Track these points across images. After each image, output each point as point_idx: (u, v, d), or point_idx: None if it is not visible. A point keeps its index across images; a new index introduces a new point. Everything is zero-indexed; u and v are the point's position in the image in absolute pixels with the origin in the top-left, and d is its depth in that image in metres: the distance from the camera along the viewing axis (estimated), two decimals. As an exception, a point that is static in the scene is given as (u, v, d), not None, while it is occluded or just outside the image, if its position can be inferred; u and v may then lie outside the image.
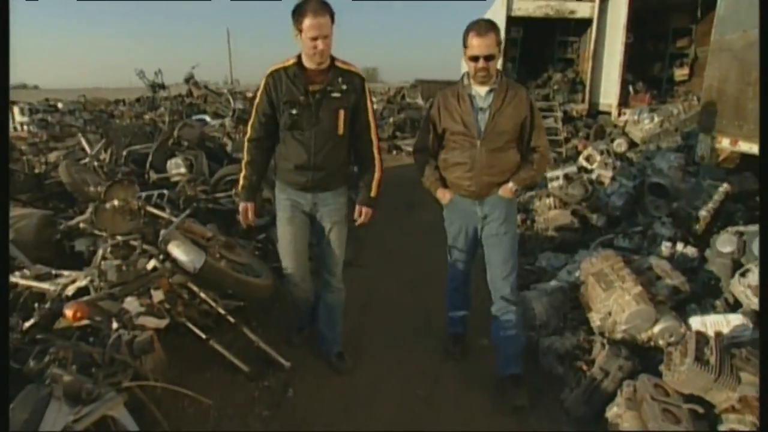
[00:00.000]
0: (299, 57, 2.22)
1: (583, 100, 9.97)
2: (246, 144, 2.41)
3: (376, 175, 2.40)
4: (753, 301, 2.24)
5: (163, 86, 13.19)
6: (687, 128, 4.03)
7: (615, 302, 2.29)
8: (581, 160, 4.74)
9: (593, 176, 4.02)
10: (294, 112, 2.21)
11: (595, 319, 2.40)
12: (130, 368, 1.67)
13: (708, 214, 3.16)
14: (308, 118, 2.23)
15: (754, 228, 2.59)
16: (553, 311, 2.72)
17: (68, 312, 1.67)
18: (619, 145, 5.13)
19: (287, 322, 2.90)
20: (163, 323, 1.84)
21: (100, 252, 1.91)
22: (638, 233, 3.44)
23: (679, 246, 2.97)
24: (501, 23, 9.36)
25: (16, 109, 9.06)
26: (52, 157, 5.83)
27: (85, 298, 1.76)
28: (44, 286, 2.00)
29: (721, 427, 1.79)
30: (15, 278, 2.14)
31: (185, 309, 2.36)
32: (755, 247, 2.48)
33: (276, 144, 2.43)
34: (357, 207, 2.42)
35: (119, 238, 2.07)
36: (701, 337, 1.87)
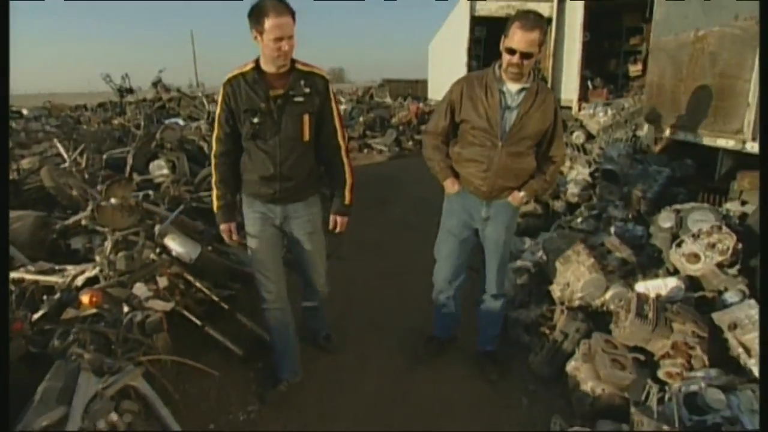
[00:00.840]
0: (257, 61, 2.08)
1: (546, 97, 10.41)
2: (213, 160, 2.23)
3: (348, 182, 2.29)
4: (687, 267, 2.58)
5: (130, 90, 13.04)
6: (635, 120, 4.43)
7: (572, 274, 2.59)
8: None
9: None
10: (255, 120, 2.07)
11: (556, 291, 2.70)
12: (143, 345, 1.86)
13: (653, 196, 3.52)
14: (271, 125, 2.08)
15: (689, 206, 2.95)
16: (518, 288, 3.02)
17: (85, 298, 1.84)
18: (578, 137, 5.51)
19: (261, 373, 2.56)
20: (169, 306, 2.04)
21: (108, 245, 2.08)
22: (594, 216, 3.80)
23: (629, 225, 3.33)
24: (465, 23, 9.73)
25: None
26: (25, 163, 5.81)
27: (98, 285, 1.93)
28: (52, 279, 2.15)
29: (659, 372, 2.11)
30: (20, 273, 2.28)
31: (182, 298, 2.53)
32: (690, 222, 2.84)
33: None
34: (332, 216, 2.33)
35: (118, 233, 2.24)
36: (641, 297, 2.18)
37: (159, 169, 4.11)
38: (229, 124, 2.14)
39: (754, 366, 1.90)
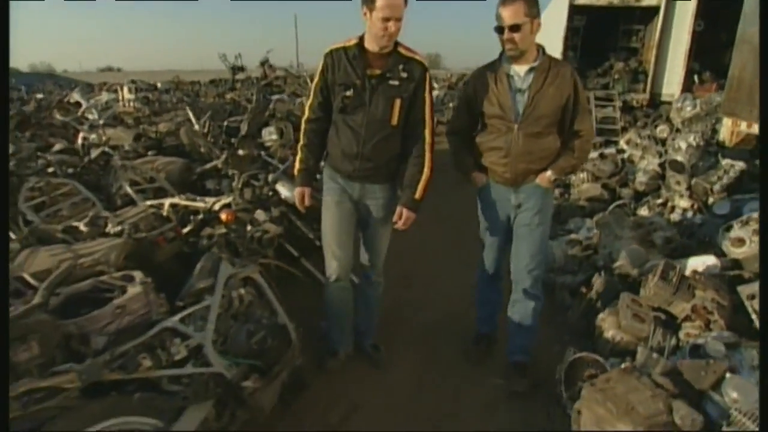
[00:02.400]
0: (362, 38, 2.11)
1: (644, 90, 9.95)
2: (303, 126, 2.30)
3: (424, 176, 2.21)
4: (732, 251, 2.77)
5: (242, 68, 14.51)
6: (716, 113, 4.38)
7: (615, 245, 2.89)
8: (622, 143, 5.20)
9: (625, 155, 4.50)
10: (347, 94, 2.10)
11: (599, 260, 3.01)
12: (259, 253, 2.54)
13: (722, 188, 3.61)
14: (361, 103, 2.11)
15: (749, 196, 3.07)
16: (569, 257, 3.35)
17: (223, 215, 2.56)
18: (662, 131, 5.49)
19: (320, 345, 2.64)
20: (279, 229, 2.71)
21: (239, 182, 2.79)
22: (660, 204, 3.95)
23: (688, 213, 3.48)
24: (564, 11, 9.60)
25: (125, 88, 10.57)
26: (161, 127, 7.03)
27: (232, 207, 2.64)
28: (198, 204, 2.92)
29: (680, 333, 2.39)
30: (175, 200, 3.09)
31: (285, 231, 3.22)
32: (746, 210, 2.98)
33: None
34: (398, 208, 2.23)
35: (245, 175, 2.95)
36: (668, 265, 2.46)
37: (270, 134, 4.90)
38: (323, 93, 2.20)
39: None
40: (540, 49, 2.14)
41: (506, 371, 2.52)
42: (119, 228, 2.62)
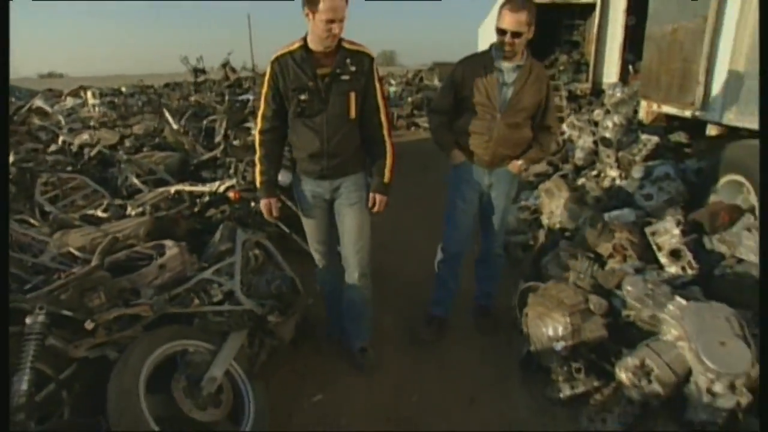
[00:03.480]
0: (305, 39, 2.12)
1: (587, 80, 10.84)
2: (258, 137, 2.29)
3: (389, 161, 2.30)
4: (645, 204, 3.47)
5: (204, 71, 14.68)
6: (637, 97, 5.16)
7: (555, 205, 3.54)
8: (564, 126, 5.93)
9: (566, 136, 5.21)
10: (303, 98, 2.12)
11: (544, 219, 3.66)
12: (264, 225, 3.02)
13: (642, 159, 4.35)
14: (318, 103, 2.14)
15: (659, 162, 3.80)
16: (520, 220, 3.99)
17: (231, 194, 3.03)
18: (598, 114, 6.25)
19: (318, 329, 2.83)
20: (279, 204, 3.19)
21: (240, 167, 3.26)
22: (595, 176, 4.66)
23: (616, 181, 4.20)
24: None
25: (89, 93, 10.61)
26: (137, 129, 7.29)
27: (236, 188, 3.11)
28: (204, 189, 3.36)
29: (606, 268, 3.04)
30: (180, 186, 3.51)
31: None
32: (656, 172, 3.69)
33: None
34: (371, 195, 2.33)
35: (244, 161, 3.42)
36: (594, 216, 3.12)
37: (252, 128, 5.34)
38: (276, 101, 2.19)
39: (662, 257, 2.79)
40: (525, 50, 2.37)
41: (474, 314, 3.01)
42: (140, 209, 3.04)
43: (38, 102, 9.52)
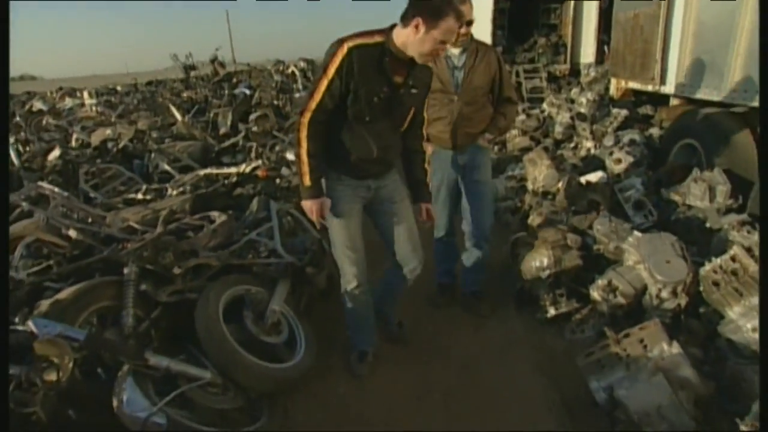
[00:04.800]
0: (387, 37, 1.93)
1: (565, 61, 11.36)
2: (307, 128, 2.00)
3: (429, 170, 2.37)
4: (614, 168, 4.01)
5: (194, 67, 14.92)
6: (608, 75, 5.72)
7: (536, 171, 4.07)
8: (544, 105, 6.47)
9: (546, 113, 5.75)
10: (375, 102, 1.97)
11: (529, 184, 4.19)
12: (290, 198, 3.51)
13: (613, 130, 4.90)
14: (384, 111, 2.03)
15: (627, 131, 4.35)
16: (509, 189, 4.52)
17: (260, 173, 3.49)
18: (575, 93, 6.80)
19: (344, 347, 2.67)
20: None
21: (266, 148, 3.72)
22: (573, 148, 5.21)
23: (592, 150, 4.75)
24: (489, -6, 10.80)
25: (86, 93, 10.87)
26: (140, 125, 7.66)
27: (263, 167, 3.58)
28: (231, 171, 3.82)
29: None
30: (207, 170, 3.96)
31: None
32: (623, 139, 4.24)
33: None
34: (422, 206, 2.31)
35: (265, 145, 3.88)
36: (570, 177, 3.66)
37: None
38: (339, 93, 1.96)
39: (628, 209, 3.34)
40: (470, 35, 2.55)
41: (465, 301, 3.02)
42: (180, 189, 3.50)
43: (38, 104, 9.79)
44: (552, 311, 2.69)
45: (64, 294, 2.08)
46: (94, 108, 10.37)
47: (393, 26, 1.96)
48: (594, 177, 3.91)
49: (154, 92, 13.15)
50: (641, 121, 5.14)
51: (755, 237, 2.20)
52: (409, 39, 1.90)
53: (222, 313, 2.29)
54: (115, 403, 1.74)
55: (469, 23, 2.45)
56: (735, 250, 2.18)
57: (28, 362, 1.70)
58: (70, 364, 1.69)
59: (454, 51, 2.56)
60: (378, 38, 1.95)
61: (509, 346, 2.68)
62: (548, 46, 11.72)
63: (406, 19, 1.89)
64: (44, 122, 6.92)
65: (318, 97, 1.97)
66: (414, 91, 2.08)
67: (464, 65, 2.55)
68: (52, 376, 1.66)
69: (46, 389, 1.63)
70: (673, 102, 4.33)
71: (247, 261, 2.63)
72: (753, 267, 2.12)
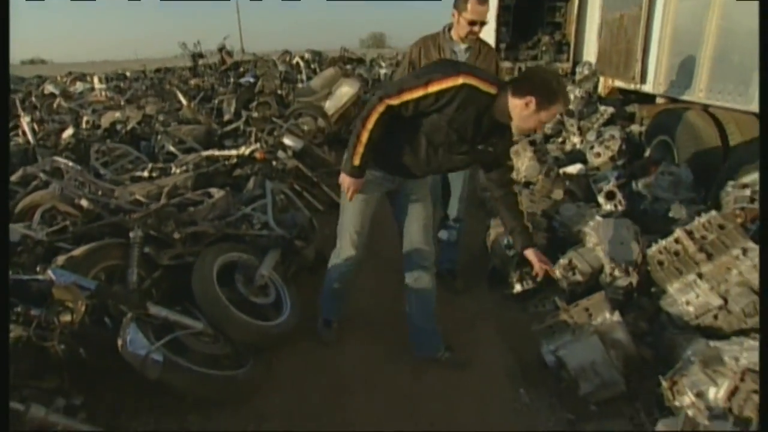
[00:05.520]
0: (500, 94, 1.95)
1: (568, 59, 11.51)
2: (379, 115, 2.01)
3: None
4: (594, 161, 4.24)
5: (202, 55, 15.16)
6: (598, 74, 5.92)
7: (519, 161, 4.30)
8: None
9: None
10: (454, 138, 2.03)
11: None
12: (284, 179, 3.76)
13: (599, 126, 5.12)
14: (454, 148, 2.07)
15: (609, 127, 4.56)
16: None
17: (258, 155, 3.75)
18: (570, 90, 7.01)
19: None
20: (295, 163, 3.93)
21: (265, 133, 3.97)
22: (561, 143, 5.43)
23: (578, 145, 4.97)
24: (496, -8, 10.94)
25: (96, 78, 11.17)
26: (148, 109, 7.94)
27: (262, 149, 3.84)
28: (232, 153, 4.08)
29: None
30: (209, 152, 4.23)
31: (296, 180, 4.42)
32: (605, 135, 4.46)
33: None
34: (534, 256, 2.30)
35: (265, 131, 4.13)
36: (549, 167, 3.89)
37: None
38: (424, 109, 1.98)
39: (600, 198, 3.57)
40: None
41: (442, 279, 2.94)
42: (183, 168, 3.76)
43: (50, 87, 10.08)
44: (518, 288, 2.94)
45: (77, 251, 2.35)
46: (103, 92, 10.66)
47: (507, 83, 1.98)
48: (573, 169, 4.15)
49: (163, 79, 13.40)
50: (627, 118, 5.35)
51: (697, 221, 2.43)
52: (516, 111, 1.92)
53: (216, 275, 2.55)
54: (119, 343, 2.01)
55: (482, 24, 2.60)
56: (678, 232, 2.41)
57: (47, 306, 1.97)
58: (83, 308, 1.96)
59: (461, 46, 2.72)
60: (492, 89, 1.95)
61: (477, 319, 2.93)
62: (552, 44, 11.85)
63: (520, 91, 1.89)
64: (56, 105, 7.19)
65: (406, 98, 1.97)
66: (490, 149, 2.11)
67: (467, 60, 2.72)
68: (66, 318, 1.93)
69: (61, 327, 1.90)
70: (659, 101, 4.54)
71: (241, 232, 2.90)
72: (692, 248, 2.36)
